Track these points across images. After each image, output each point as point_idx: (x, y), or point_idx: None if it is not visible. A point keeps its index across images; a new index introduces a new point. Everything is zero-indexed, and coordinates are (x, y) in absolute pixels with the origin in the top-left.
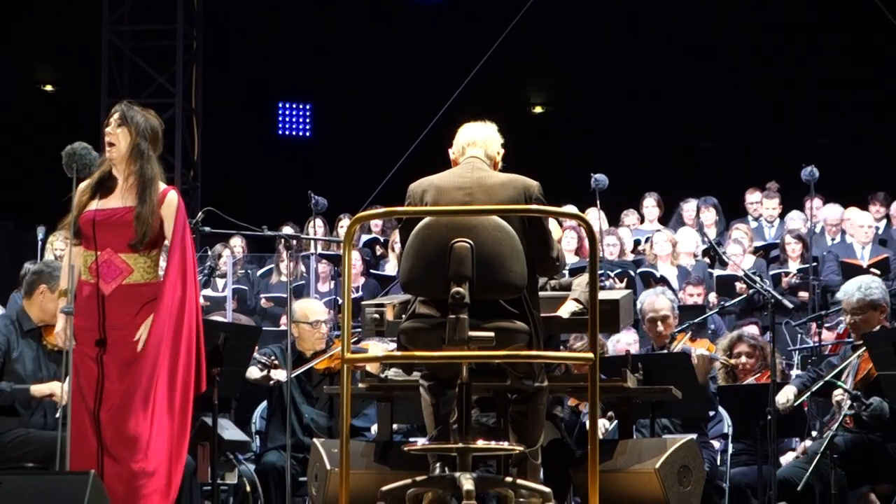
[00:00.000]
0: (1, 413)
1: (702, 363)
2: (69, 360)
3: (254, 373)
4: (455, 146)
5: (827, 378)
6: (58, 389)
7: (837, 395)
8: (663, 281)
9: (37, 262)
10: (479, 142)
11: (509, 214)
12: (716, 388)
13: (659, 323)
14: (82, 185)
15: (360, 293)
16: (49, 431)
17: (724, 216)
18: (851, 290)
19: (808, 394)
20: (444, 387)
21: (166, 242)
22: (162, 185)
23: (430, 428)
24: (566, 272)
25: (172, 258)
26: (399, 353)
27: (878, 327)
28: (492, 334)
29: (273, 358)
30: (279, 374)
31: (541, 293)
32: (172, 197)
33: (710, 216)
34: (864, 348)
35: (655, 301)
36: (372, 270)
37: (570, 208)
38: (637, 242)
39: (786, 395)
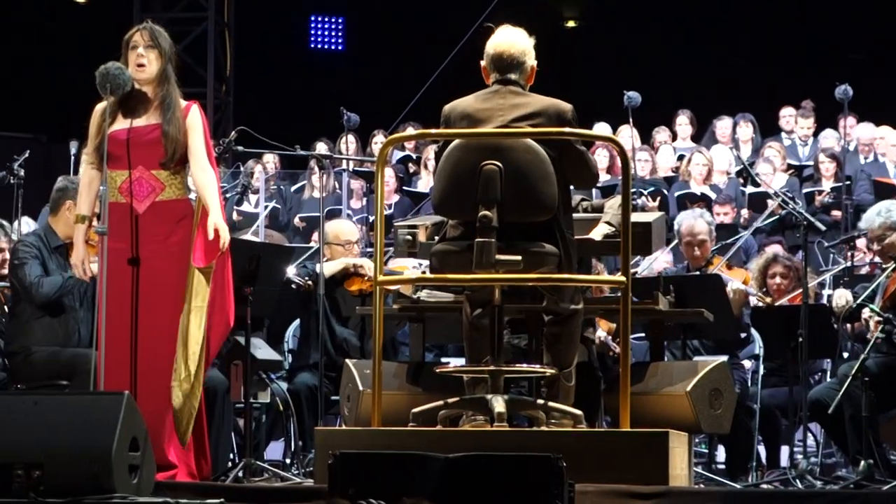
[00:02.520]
0: (51, 314)
1: (738, 297)
2: (103, 282)
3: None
4: (486, 58)
5: (860, 300)
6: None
7: (865, 313)
8: (703, 199)
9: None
10: (513, 62)
11: (541, 138)
12: (748, 311)
13: (696, 247)
14: (100, 106)
15: (392, 210)
16: (80, 349)
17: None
18: (872, 217)
19: (864, 296)
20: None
21: None
22: (182, 102)
23: (468, 349)
24: (598, 191)
25: (208, 185)
26: (430, 276)
27: None
28: (519, 258)
29: (307, 279)
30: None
31: (574, 215)
32: (195, 110)
33: (746, 132)
34: (893, 268)
35: (694, 224)
36: (405, 187)
37: (603, 126)
38: (679, 159)
39: (844, 297)
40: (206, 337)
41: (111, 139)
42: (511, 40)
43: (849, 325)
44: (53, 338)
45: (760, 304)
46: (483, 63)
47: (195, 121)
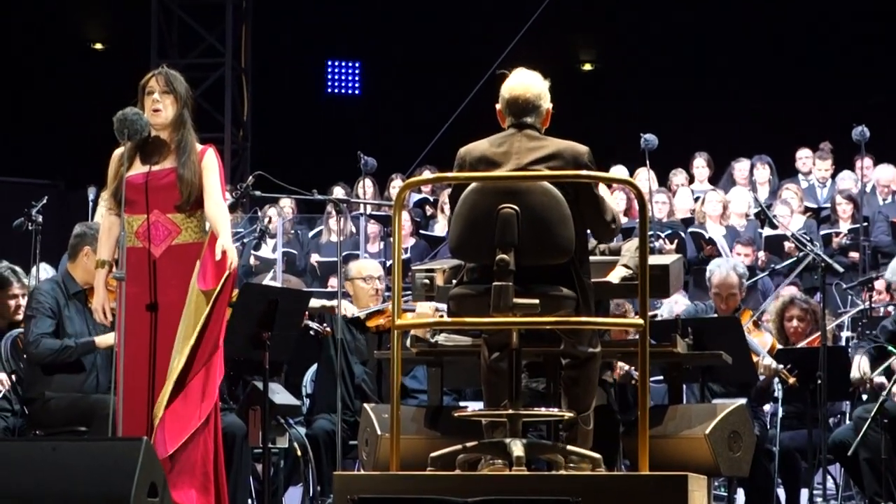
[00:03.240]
0: (62, 371)
1: (768, 374)
2: (121, 326)
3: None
4: (501, 102)
5: (891, 349)
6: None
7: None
8: (711, 243)
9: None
10: (529, 106)
11: (558, 181)
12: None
13: (725, 300)
14: (118, 151)
15: (409, 254)
16: (97, 395)
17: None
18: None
19: (886, 364)
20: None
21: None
22: (199, 146)
23: (487, 394)
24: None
25: (220, 215)
26: (448, 319)
27: None
28: (536, 301)
29: (325, 325)
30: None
31: (591, 258)
32: (210, 154)
33: (763, 174)
34: None
35: (727, 277)
36: (421, 231)
37: (620, 169)
38: (696, 200)
39: (861, 369)
40: (206, 363)
41: (128, 184)
42: (526, 83)
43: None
44: (72, 384)
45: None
46: (498, 107)
47: (210, 162)
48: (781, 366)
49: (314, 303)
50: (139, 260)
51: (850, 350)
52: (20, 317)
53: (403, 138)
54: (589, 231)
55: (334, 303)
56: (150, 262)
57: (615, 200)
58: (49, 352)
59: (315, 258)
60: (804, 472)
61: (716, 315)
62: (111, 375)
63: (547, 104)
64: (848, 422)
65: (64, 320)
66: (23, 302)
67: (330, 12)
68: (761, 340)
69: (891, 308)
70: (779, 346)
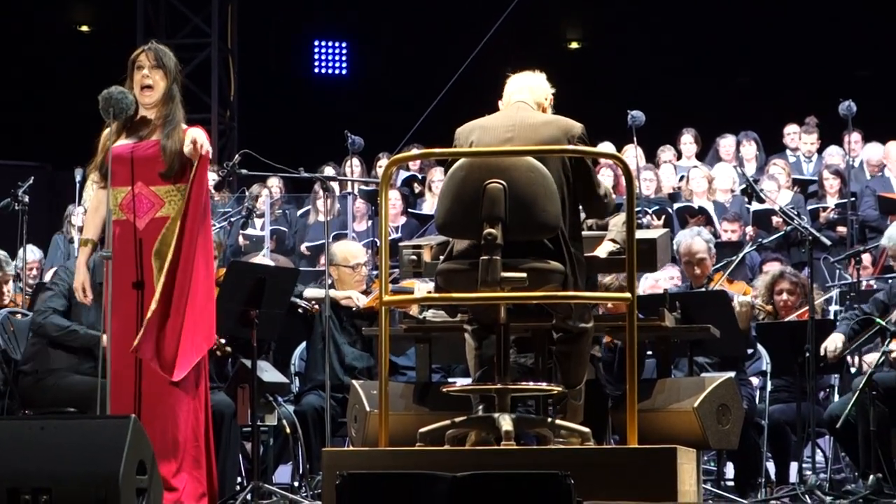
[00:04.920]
0: (61, 349)
1: (745, 311)
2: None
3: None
4: (504, 96)
5: (878, 321)
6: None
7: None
8: (702, 212)
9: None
10: (524, 87)
11: (545, 155)
12: (754, 325)
13: (696, 266)
14: (106, 129)
15: (399, 233)
16: (87, 376)
17: (763, 151)
18: (893, 234)
19: (860, 341)
20: (487, 332)
21: None
22: (184, 126)
23: (473, 370)
24: None
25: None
26: (436, 295)
27: None
28: (524, 275)
29: (313, 303)
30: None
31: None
32: (196, 129)
33: (750, 150)
34: None
35: (692, 243)
36: (410, 209)
37: (607, 145)
38: (681, 179)
39: (834, 343)
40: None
41: (114, 156)
42: (527, 76)
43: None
44: (70, 363)
45: (764, 313)
46: (501, 102)
47: (198, 132)
48: (751, 297)
49: (309, 293)
50: (123, 233)
51: (837, 323)
52: (6, 300)
53: (391, 118)
54: (581, 207)
55: (328, 294)
56: (136, 238)
57: (602, 177)
58: (55, 328)
59: (305, 246)
60: (793, 445)
61: (691, 287)
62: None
63: (546, 93)
64: (836, 395)
65: (79, 307)
66: (8, 287)
67: None
68: (734, 290)
69: (873, 282)
70: (768, 320)
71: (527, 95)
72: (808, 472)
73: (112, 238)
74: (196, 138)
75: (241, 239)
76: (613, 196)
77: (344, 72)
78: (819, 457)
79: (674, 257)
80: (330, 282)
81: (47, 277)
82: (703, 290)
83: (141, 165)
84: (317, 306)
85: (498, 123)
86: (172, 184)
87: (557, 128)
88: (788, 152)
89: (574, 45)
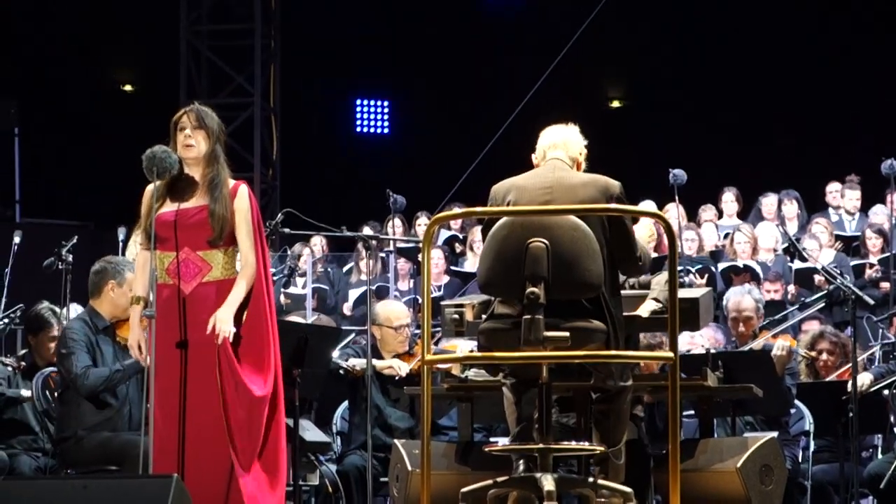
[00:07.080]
0: (94, 405)
1: (782, 355)
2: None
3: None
4: (537, 150)
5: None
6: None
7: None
8: (747, 270)
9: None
10: (559, 144)
11: (587, 214)
12: (794, 383)
13: (741, 323)
14: (150, 187)
15: (442, 292)
16: (129, 433)
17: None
18: None
19: (887, 382)
20: (526, 386)
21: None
22: (231, 182)
23: (513, 427)
24: None
25: (251, 252)
26: (478, 354)
27: None
28: (567, 334)
29: (354, 365)
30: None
31: (621, 292)
32: (243, 190)
33: (792, 209)
34: None
35: (741, 300)
36: (452, 268)
37: (649, 204)
38: (725, 236)
39: (861, 380)
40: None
41: (158, 221)
42: (560, 130)
43: None
44: (104, 423)
45: (807, 359)
46: (534, 157)
47: (242, 205)
48: (791, 343)
49: (352, 362)
50: (169, 297)
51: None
52: (52, 356)
53: (432, 177)
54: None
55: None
56: (180, 299)
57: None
58: (101, 380)
59: (346, 305)
60: None
61: (736, 346)
62: (143, 410)
63: (580, 147)
64: (881, 455)
65: (97, 355)
66: (55, 344)
67: (358, 52)
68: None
69: None
70: (808, 380)
71: (561, 153)
72: None
73: (157, 300)
74: (216, 321)
75: (283, 298)
76: (650, 254)
77: (386, 130)
78: None
79: (716, 316)
80: (373, 342)
81: None
82: (748, 348)
83: (187, 231)
84: (359, 368)
85: (535, 183)
86: (219, 250)
87: (596, 188)
88: (831, 210)
89: (616, 103)
